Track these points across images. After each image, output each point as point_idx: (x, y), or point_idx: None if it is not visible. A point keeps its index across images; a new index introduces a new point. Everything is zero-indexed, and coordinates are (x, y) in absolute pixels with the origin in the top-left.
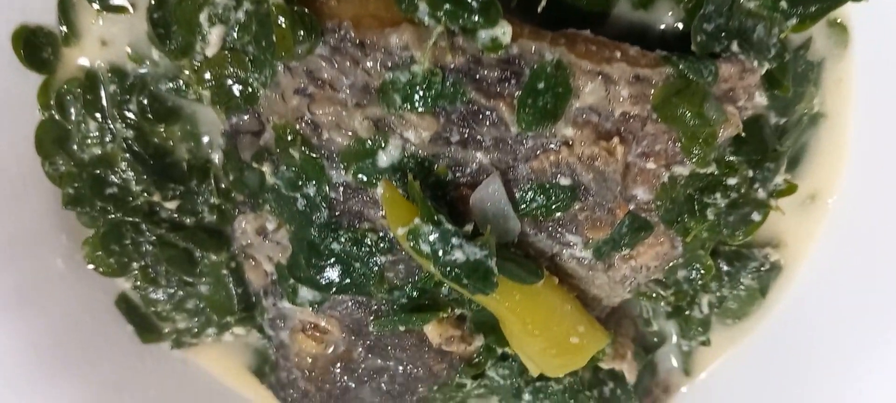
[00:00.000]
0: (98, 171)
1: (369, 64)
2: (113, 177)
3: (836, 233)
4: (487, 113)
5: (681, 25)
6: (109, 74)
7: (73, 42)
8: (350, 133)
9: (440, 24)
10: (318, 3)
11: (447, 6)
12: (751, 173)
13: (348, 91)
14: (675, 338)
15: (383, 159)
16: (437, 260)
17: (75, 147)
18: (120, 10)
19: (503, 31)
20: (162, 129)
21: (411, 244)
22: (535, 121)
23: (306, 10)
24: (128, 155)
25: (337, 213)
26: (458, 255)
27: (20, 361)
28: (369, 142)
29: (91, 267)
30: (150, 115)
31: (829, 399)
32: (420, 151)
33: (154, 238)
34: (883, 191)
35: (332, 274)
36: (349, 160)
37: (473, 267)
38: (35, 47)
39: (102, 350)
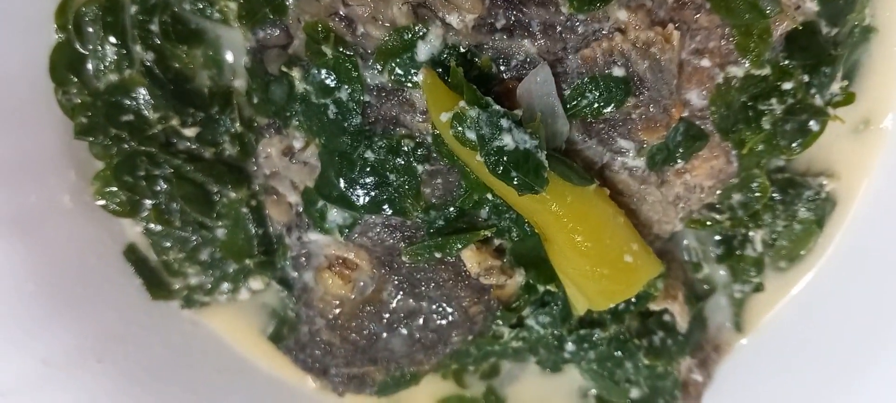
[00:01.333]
0: (114, 99)
1: None
2: (129, 103)
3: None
4: None
5: None
6: None
7: None
8: (387, 24)
9: None
10: None
11: None
12: (806, 78)
13: None
14: (724, 288)
15: (422, 51)
16: (484, 146)
17: (91, 73)
18: None
19: None
20: (184, 52)
21: (456, 131)
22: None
23: None
24: (148, 80)
25: (371, 119)
26: (508, 141)
27: (18, 289)
28: (408, 32)
29: (101, 203)
30: (172, 36)
31: None
32: (462, 40)
33: (170, 170)
34: None
35: (366, 187)
36: (385, 56)
37: (523, 156)
38: None
39: (107, 298)
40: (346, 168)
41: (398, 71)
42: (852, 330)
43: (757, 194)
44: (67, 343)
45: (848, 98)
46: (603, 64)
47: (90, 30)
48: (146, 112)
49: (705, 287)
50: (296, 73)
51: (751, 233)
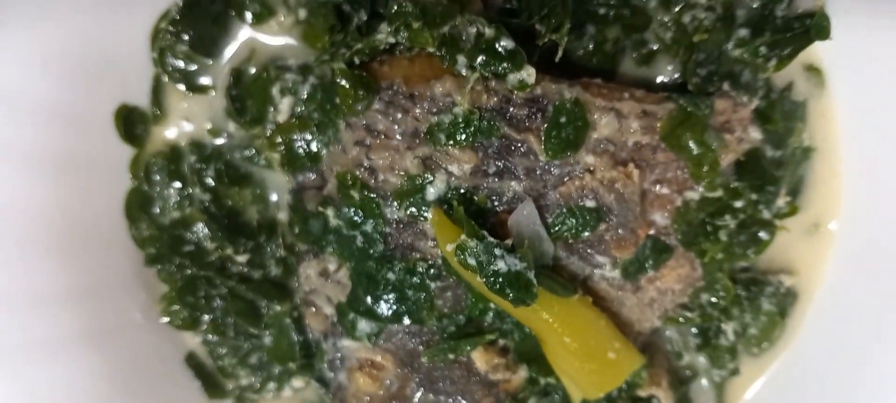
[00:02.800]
0: (177, 232)
1: (418, 111)
2: (190, 235)
3: (845, 256)
4: (518, 145)
5: (678, 75)
6: (190, 147)
7: (161, 120)
8: (402, 172)
9: (476, 72)
10: (373, 69)
11: (481, 57)
12: (754, 196)
13: (400, 137)
14: (705, 372)
15: (431, 192)
16: (483, 271)
17: (158, 212)
18: (203, 89)
19: (528, 73)
20: (235, 192)
21: (459, 258)
22: (559, 150)
23: (364, 73)
24: (204, 217)
25: (392, 247)
26: (501, 265)
27: (96, 395)
28: (419, 178)
29: (165, 320)
30: (225, 180)
31: None
32: (462, 184)
33: (225, 290)
34: (879, 211)
35: (389, 302)
36: (401, 197)
37: (515, 277)
38: (131, 124)
39: (171, 400)
40: (372, 286)
41: (412, 209)
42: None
43: (722, 294)
44: None
45: (792, 210)
46: (577, 198)
47: (157, 177)
48: (204, 243)
49: (688, 372)
50: (330, 211)
51: (723, 326)
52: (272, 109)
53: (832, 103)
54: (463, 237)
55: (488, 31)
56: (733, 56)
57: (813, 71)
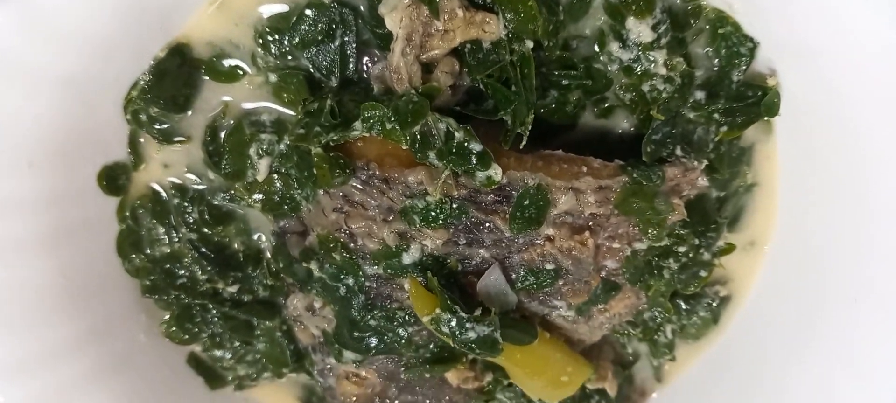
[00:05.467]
0: (168, 266)
1: (393, 193)
2: (181, 270)
3: (772, 270)
4: (486, 224)
5: (633, 129)
6: (172, 190)
7: (141, 167)
8: (379, 240)
9: (447, 168)
10: (348, 144)
11: (452, 156)
12: (696, 241)
13: (376, 210)
14: (646, 356)
15: (407, 258)
16: (455, 338)
17: (148, 248)
18: (180, 142)
19: (495, 171)
20: (219, 230)
21: (434, 327)
22: (523, 228)
23: (339, 154)
24: (193, 252)
25: (372, 297)
26: (471, 334)
27: None
28: (395, 247)
29: (167, 339)
30: (209, 220)
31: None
32: (435, 252)
33: (219, 315)
34: (808, 236)
35: (371, 341)
36: (379, 259)
37: (483, 340)
38: (113, 178)
39: (178, 397)
40: (356, 329)
41: (390, 270)
42: (748, 379)
43: (663, 313)
44: None
45: (729, 248)
46: (539, 262)
47: (144, 219)
48: (196, 274)
49: (631, 357)
50: (314, 265)
51: (663, 326)
52: (251, 167)
53: (776, 146)
54: (438, 311)
55: (459, 135)
56: (688, 117)
57: (762, 121)
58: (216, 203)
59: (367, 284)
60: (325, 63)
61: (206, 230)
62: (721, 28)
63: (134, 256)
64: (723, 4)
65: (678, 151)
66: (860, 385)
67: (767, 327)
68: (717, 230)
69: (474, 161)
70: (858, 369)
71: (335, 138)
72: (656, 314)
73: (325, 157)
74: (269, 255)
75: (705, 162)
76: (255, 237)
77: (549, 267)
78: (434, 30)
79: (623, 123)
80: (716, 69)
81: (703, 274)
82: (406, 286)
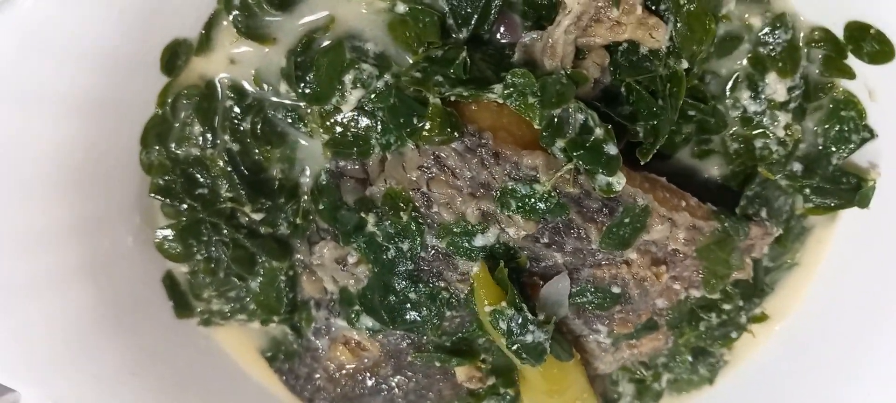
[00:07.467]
0: (192, 170)
1: (496, 170)
2: (206, 178)
3: (778, 347)
4: (578, 230)
5: (719, 179)
6: (229, 91)
7: (204, 52)
8: (458, 213)
9: (571, 162)
10: (461, 105)
11: (582, 151)
12: (741, 303)
13: (467, 182)
14: (629, 399)
15: (479, 241)
16: (510, 338)
17: (173, 144)
18: (263, 40)
19: (619, 180)
20: (266, 149)
21: (491, 318)
22: (614, 245)
23: (454, 111)
24: (227, 164)
25: (422, 268)
26: (530, 338)
27: (81, 326)
28: (473, 225)
29: (159, 251)
30: (259, 135)
31: None
32: (510, 242)
33: (228, 239)
34: (825, 326)
35: (405, 314)
36: (448, 233)
37: (534, 346)
38: (175, 56)
39: (145, 321)
40: (391, 296)
41: (453, 247)
42: None
43: (679, 362)
44: (113, 361)
45: (762, 317)
46: (607, 281)
47: (184, 111)
48: (220, 189)
49: (616, 396)
50: (371, 218)
51: (663, 373)
52: (339, 95)
53: (834, 235)
54: (504, 304)
55: (598, 132)
56: (778, 183)
57: None
58: (273, 119)
59: (422, 254)
60: (465, 11)
61: (251, 143)
62: (844, 111)
63: (157, 147)
64: (861, 89)
65: (763, 213)
66: None
67: (758, 399)
68: (761, 296)
69: (602, 163)
70: None
71: (465, 94)
72: (667, 360)
73: (441, 111)
74: (305, 187)
75: (780, 230)
76: (298, 169)
77: (615, 290)
78: (606, 16)
79: (712, 169)
80: (820, 147)
81: (733, 335)
82: (474, 269)
